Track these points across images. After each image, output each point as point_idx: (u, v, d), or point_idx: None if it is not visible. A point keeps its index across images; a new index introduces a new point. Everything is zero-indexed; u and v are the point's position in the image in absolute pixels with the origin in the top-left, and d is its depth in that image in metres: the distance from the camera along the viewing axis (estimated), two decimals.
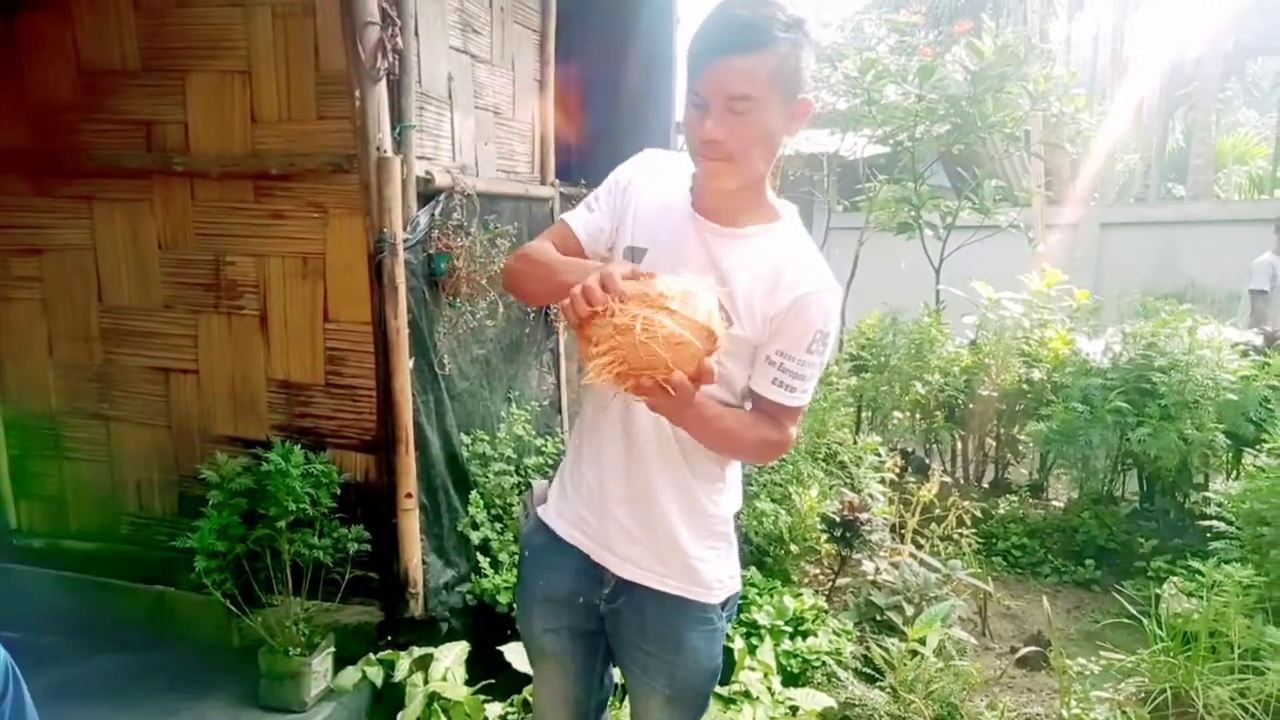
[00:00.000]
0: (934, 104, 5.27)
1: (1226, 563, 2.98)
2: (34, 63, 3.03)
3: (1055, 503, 4.94)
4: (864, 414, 5.19)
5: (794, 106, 1.38)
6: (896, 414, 5.12)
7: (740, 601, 3.14)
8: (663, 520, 1.53)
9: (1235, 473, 4.37)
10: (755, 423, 1.48)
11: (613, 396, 1.46)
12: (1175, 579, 3.25)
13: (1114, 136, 14.63)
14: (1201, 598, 2.88)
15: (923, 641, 2.93)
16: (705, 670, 1.60)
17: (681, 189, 1.50)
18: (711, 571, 1.57)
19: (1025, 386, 4.81)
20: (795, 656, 2.98)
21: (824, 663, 2.96)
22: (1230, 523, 3.33)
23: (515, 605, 1.78)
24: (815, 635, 3.08)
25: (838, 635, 3.14)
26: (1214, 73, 13.38)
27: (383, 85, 2.66)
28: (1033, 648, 3.27)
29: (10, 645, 1.81)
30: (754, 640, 2.97)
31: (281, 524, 2.60)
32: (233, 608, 2.61)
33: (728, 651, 2.93)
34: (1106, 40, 15.50)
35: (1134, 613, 3.04)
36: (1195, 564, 3.05)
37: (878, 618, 3.32)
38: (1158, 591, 3.05)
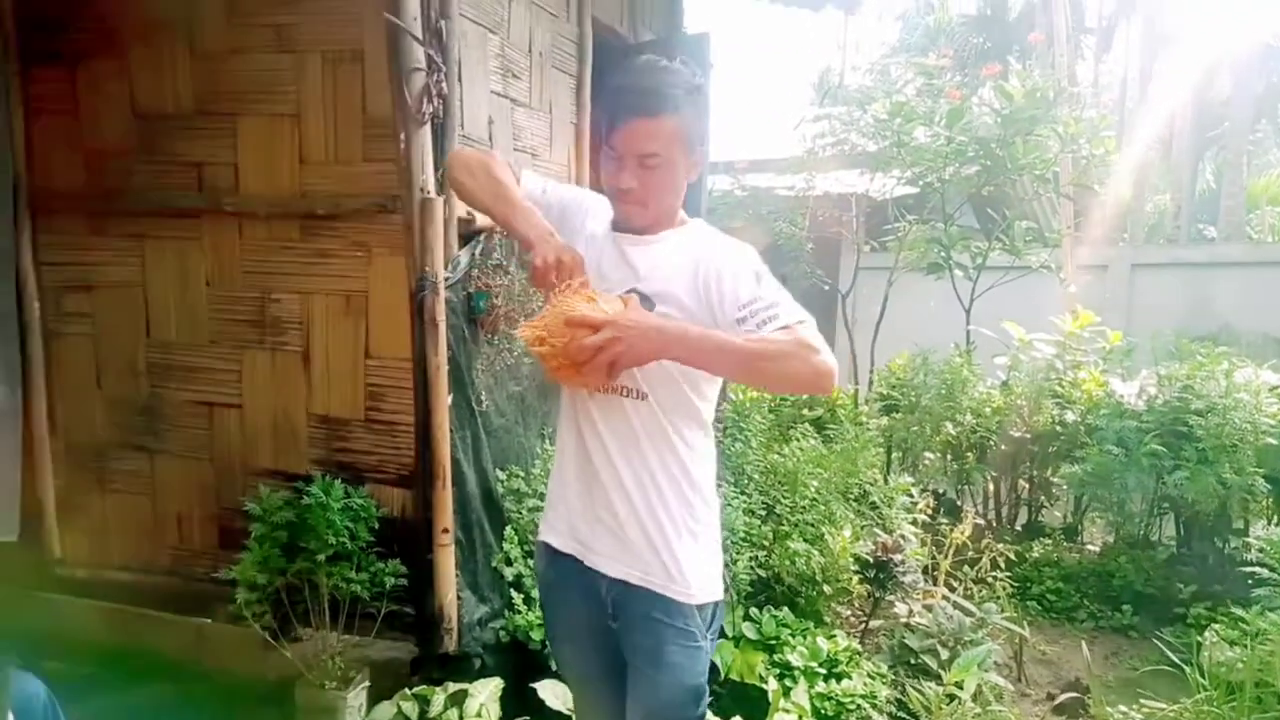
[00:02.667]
0: (963, 146, 5.31)
1: (1271, 610, 2.93)
2: (92, 107, 3.16)
3: (1090, 546, 4.87)
4: (894, 454, 5.16)
5: (694, 157, 1.59)
6: (928, 455, 5.09)
7: (773, 642, 3.14)
8: (632, 512, 1.61)
9: (1276, 518, 4.29)
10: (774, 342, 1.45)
11: (569, 396, 1.65)
12: (1217, 626, 3.19)
13: (1144, 178, 14.59)
14: (1245, 646, 2.83)
15: (960, 686, 2.89)
16: (686, 688, 1.63)
17: (605, 221, 1.69)
18: (687, 569, 1.62)
19: (1058, 428, 4.77)
20: (830, 699, 2.95)
21: (859, 706, 2.93)
22: (1273, 569, 3.27)
23: (547, 642, 1.85)
24: (849, 678, 3.05)
25: (872, 678, 3.10)
26: (1244, 114, 13.33)
27: (427, 129, 2.74)
28: (1071, 694, 3.21)
29: (52, 675, 1.84)
30: (788, 682, 2.94)
31: (321, 557, 2.64)
32: (271, 640, 2.64)
33: (760, 694, 2.91)
34: (1135, 82, 15.51)
35: (1175, 660, 2.99)
36: (1238, 611, 2.99)
37: (912, 661, 3.28)
38: (1199, 639, 3.00)
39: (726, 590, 2.99)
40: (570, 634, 1.80)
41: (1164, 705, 2.91)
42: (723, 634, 3.03)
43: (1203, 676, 2.82)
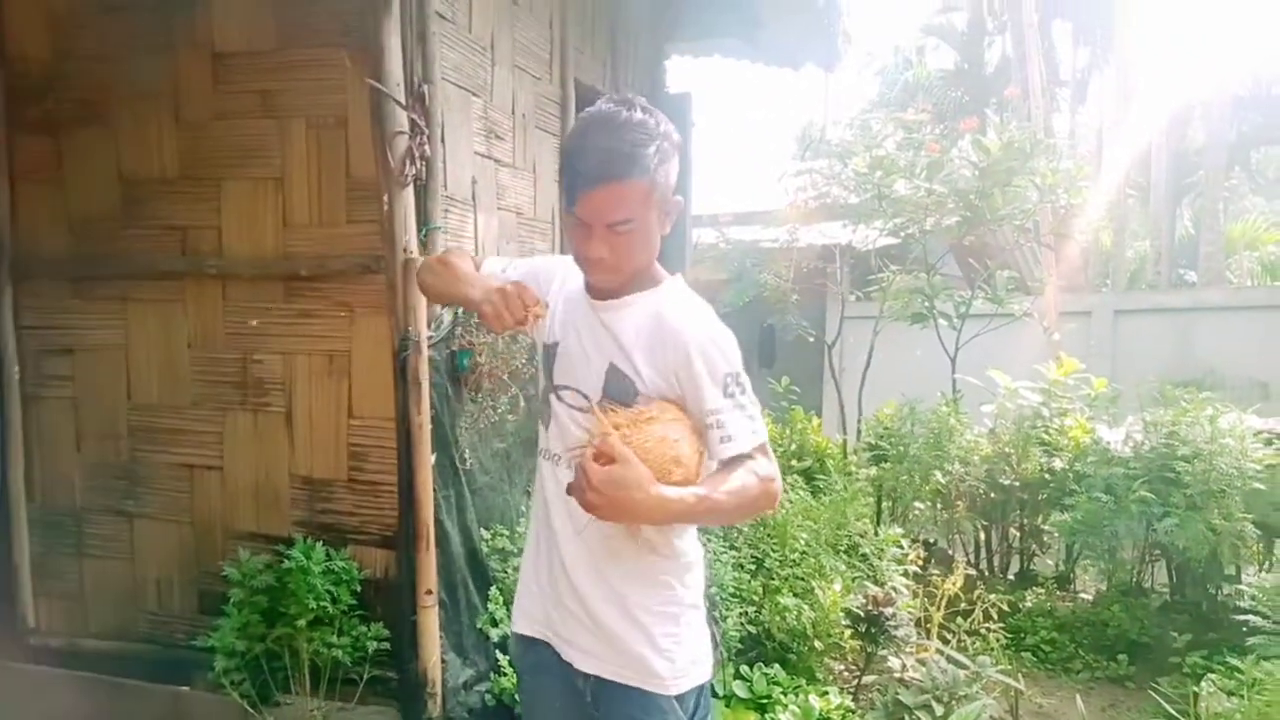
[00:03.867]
0: (943, 198, 5.39)
1: (1266, 659, 2.90)
2: (76, 173, 3.18)
3: (1084, 595, 4.83)
4: (884, 504, 5.14)
5: (667, 208, 1.49)
6: (917, 504, 5.07)
7: (765, 700, 3.08)
8: (603, 605, 1.52)
9: (1268, 564, 4.27)
10: (744, 469, 1.42)
11: (539, 469, 1.60)
12: (1213, 676, 3.16)
13: (1123, 225, 14.82)
14: (1242, 696, 2.79)
15: None
16: None
17: (578, 283, 1.61)
18: (664, 660, 1.51)
19: (1047, 476, 4.77)
20: None
21: None
22: (1266, 616, 3.25)
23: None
24: None
25: None
26: (1218, 162, 13.59)
27: (410, 190, 2.77)
28: None
29: None
30: None
31: (301, 622, 2.60)
32: (249, 709, 2.58)
33: None
34: (1110, 133, 15.84)
35: (1171, 712, 2.95)
36: (1233, 660, 2.96)
37: (906, 718, 3.22)
38: (1195, 689, 2.97)
39: (716, 647, 2.94)
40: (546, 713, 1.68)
41: None
42: (714, 692, 2.97)
43: None
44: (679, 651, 1.53)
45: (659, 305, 1.53)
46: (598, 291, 1.57)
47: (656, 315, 1.51)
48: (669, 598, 1.53)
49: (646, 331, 1.50)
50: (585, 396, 1.53)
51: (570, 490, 1.35)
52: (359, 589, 2.78)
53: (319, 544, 2.76)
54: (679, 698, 1.53)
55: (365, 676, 2.71)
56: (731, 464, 1.44)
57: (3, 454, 3.28)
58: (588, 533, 1.50)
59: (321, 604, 2.62)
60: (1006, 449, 4.87)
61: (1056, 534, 4.78)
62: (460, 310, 3.01)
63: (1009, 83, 12.68)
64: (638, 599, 1.51)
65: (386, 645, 2.73)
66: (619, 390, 1.49)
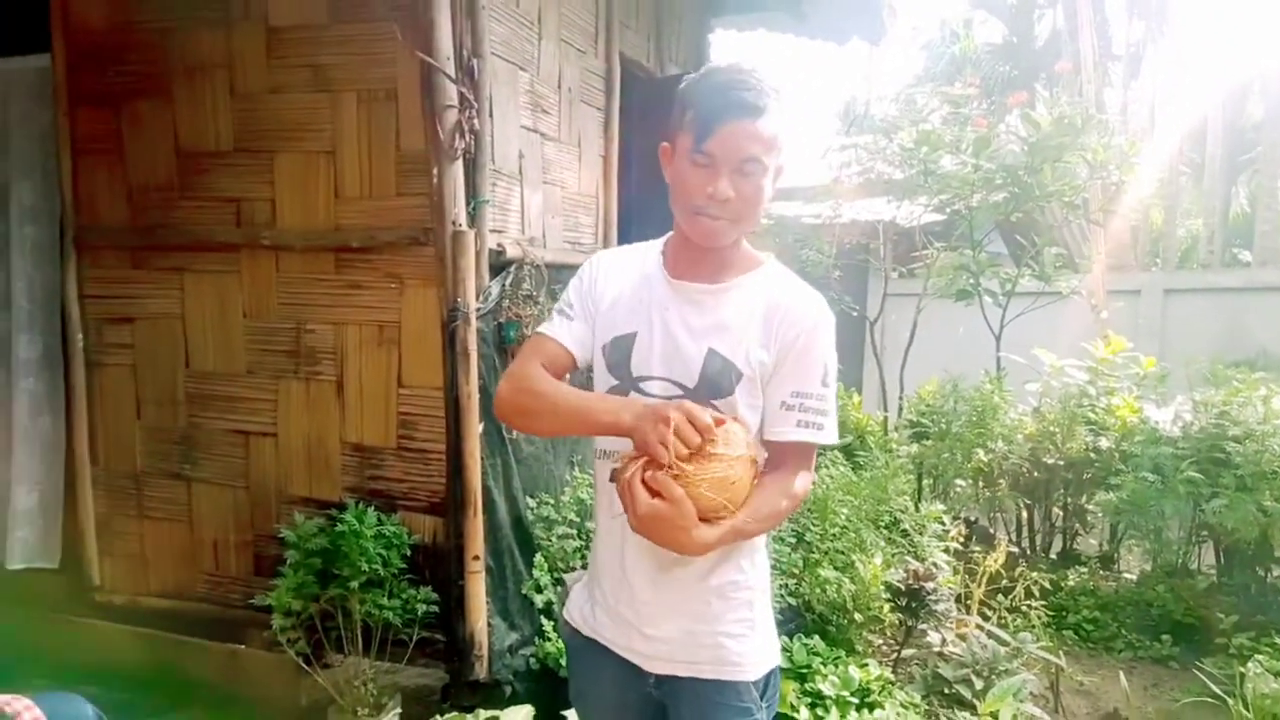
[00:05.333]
0: (990, 174, 5.31)
1: None
2: (136, 146, 3.26)
3: (1127, 575, 4.78)
4: (925, 481, 5.12)
5: (777, 168, 1.45)
6: (959, 482, 5.04)
7: (804, 670, 3.12)
8: (678, 602, 1.47)
9: None
10: (779, 488, 1.42)
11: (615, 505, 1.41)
12: (1260, 657, 3.12)
13: (1175, 203, 14.45)
14: None
15: (995, 716, 2.85)
16: None
17: (654, 265, 1.53)
18: (740, 647, 1.49)
19: (1092, 455, 4.71)
20: None
21: None
22: None
23: (573, 704, 1.73)
24: (882, 708, 3.01)
25: (905, 708, 3.06)
26: (1277, 138, 13.18)
27: (459, 164, 2.81)
28: None
29: (90, 701, 1.88)
30: (820, 711, 2.92)
31: (354, 584, 2.67)
32: (304, 666, 2.67)
33: None
34: (1164, 106, 15.43)
35: (1217, 692, 2.93)
36: None
37: (945, 691, 3.24)
38: (1242, 670, 2.94)
39: None
40: (604, 708, 1.63)
41: None
42: None
43: (1246, 709, 2.76)
44: (752, 636, 1.51)
45: (769, 285, 1.48)
46: (688, 273, 1.48)
47: (769, 295, 1.46)
48: (738, 583, 1.49)
49: (760, 313, 1.45)
50: (679, 385, 1.44)
51: (619, 495, 1.33)
52: (409, 553, 2.85)
53: (370, 509, 2.83)
54: (754, 682, 1.51)
55: (414, 638, 2.79)
56: (783, 458, 1.44)
57: (69, 419, 3.41)
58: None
59: (373, 566, 2.70)
60: (1051, 427, 4.81)
61: (1101, 513, 4.73)
62: (508, 283, 3.05)
63: (1060, 56, 12.40)
64: (709, 586, 1.47)
65: (435, 608, 2.80)
66: (718, 375, 1.42)
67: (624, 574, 1.50)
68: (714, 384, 1.42)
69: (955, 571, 3.86)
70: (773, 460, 1.46)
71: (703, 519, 1.30)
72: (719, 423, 1.33)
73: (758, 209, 1.43)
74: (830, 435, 1.45)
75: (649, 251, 1.56)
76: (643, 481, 1.30)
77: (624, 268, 1.55)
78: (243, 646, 3.09)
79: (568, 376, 1.53)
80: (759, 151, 1.37)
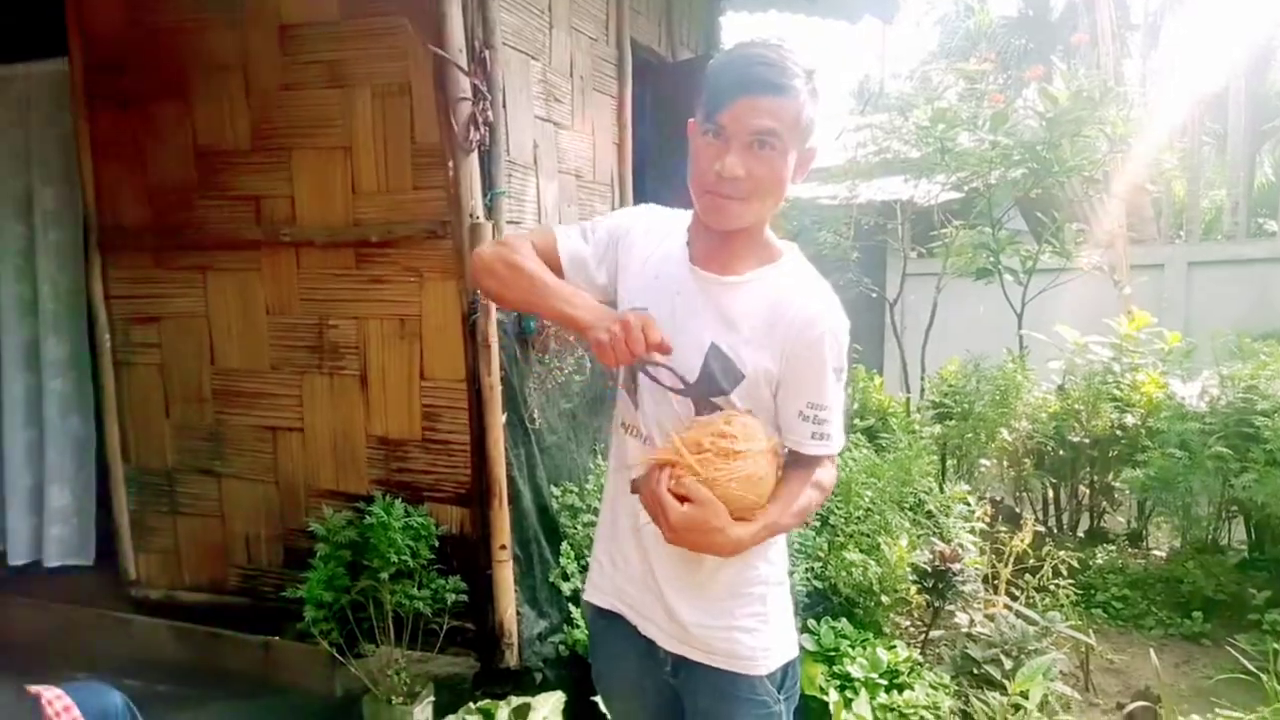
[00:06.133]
0: (1008, 150, 5.26)
1: None
2: (156, 146, 3.29)
3: (1156, 552, 4.75)
4: (949, 462, 5.10)
5: (804, 154, 1.38)
6: (983, 462, 5.02)
7: (832, 653, 3.12)
8: (692, 589, 1.46)
9: None
10: (807, 481, 1.41)
11: (618, 439, 1.51)
12: None
13: (1198, 174, 14.24)
14: None
15: (1025, 695, 2.85)
16: None
17: (678, 242, 1.48)
18: (754, 641, 1.47)
19: (1118, 432, 4.67)
20: (892, 710, 2.91)
21: (922, 717, 2.89)
22: None
23: (595, 685, 1.74)
24: (911, 689, 3.01)
25: (934, 689, 3.06)
26: None
27: (474, 155, 2.81)
28: (1142, 703, 3.14)
29: (126, 692, 1.91)
30: (849, 694, 2.92)
31: (384, 575, 2.70)
32: (337, 656, 2.71)
33: (821, 706, 2.90)
34: (1184, 76, 15.20)
35: (1250, 668, 2.91)
36: None
37: (974, 671, 3.23)
38: (1276, 646, 2.92)
39: None
40: (623, 692, 1.65)
41: (1241, 714, 2.83)
42: None
43: None
44: (765, 631, 1.49)
45: (781, 283, 1.42)
46: (707, 260, 1.43)
47: (779, 294, 1.41)
48: (753, 577, 1.48)
49: (766, 312, 1.39)
50: (682, 380, 1.39)
51: (646, 508, 1.33)
52: (437, 544, 2.88)
53: (397, 501, 2.86)
54: (768, 675, 1.49)
55: (445, 627, 2.82)
56: (807, 462, 1.43)
57: (100, 418, 3.46)
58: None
59: (402, 558, 2.72)
60: (1076, 405, 4.78)
61: (1128, 491, 4.70)
62: None
63: (1076, 28, 12.23)
64: (722, 579, 1.46)
65: (464, 598, 2.83)
66: (720, 371, 1.38)
67: (646, 549, 1.48)
68: (713, 381, 1.39)
69: (982, 552, 3.85)
70: (792, 458, 1.45)
71: (735, 518, 1.30)
72: (731, 418, 1.33)
73: (772, 192, 1.35)
74: (838, 445, 1.44)
75: (678, 226, 1.50)
76: (670, 490, 1.29)
77: (662, 235, 1.50)
78: (276, 638, 3.14)
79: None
80: (777, 126, 1.30)
